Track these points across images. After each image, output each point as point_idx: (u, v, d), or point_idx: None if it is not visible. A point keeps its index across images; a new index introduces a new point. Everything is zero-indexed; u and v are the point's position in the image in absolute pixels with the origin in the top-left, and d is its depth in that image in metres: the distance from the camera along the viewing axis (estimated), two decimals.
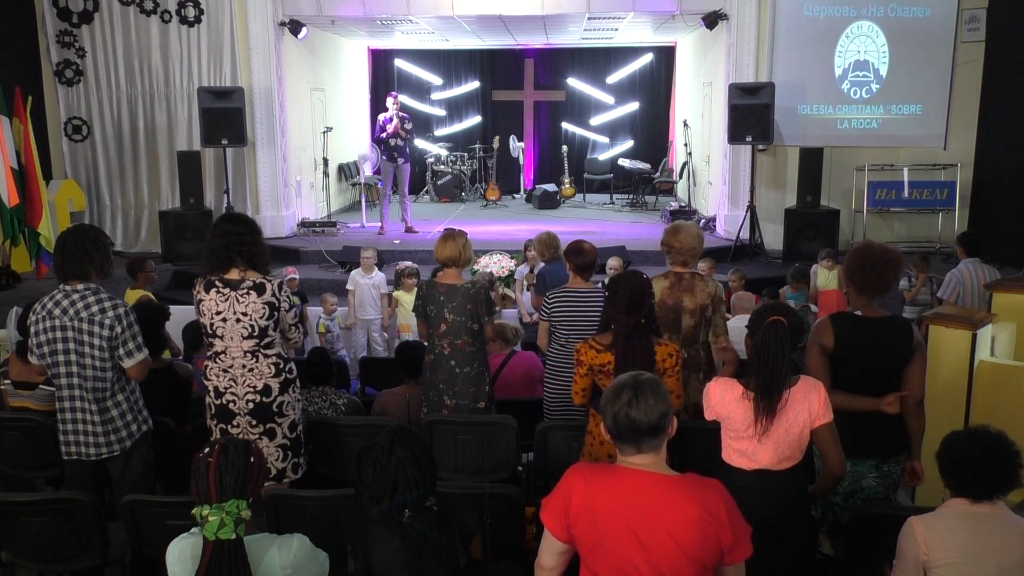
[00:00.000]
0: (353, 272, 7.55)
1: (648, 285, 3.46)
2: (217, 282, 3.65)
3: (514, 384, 5.16)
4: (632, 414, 2.15)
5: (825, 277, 7.45)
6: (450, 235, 4.54)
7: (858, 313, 3.44)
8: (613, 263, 6.88)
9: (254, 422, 3.71)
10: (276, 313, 3.69)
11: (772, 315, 2.83)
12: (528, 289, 7.59)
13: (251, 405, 3.70)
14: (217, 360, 3.71)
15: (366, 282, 7.38)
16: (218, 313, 3.64)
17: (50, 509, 3.33)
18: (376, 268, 7.58)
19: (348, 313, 7.44)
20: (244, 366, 3.68)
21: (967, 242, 6.86)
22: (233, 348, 3.67)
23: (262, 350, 3.69)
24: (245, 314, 3.62)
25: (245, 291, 3.63)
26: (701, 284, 4.24)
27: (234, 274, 3.65)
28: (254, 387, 3.69)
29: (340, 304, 7.44)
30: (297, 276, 7.64)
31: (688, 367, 4.24)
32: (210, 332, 3.68)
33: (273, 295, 3.66)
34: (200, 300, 3.67)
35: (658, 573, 2.13)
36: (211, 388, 3.74)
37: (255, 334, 3.65)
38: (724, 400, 2.89)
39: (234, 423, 3.72)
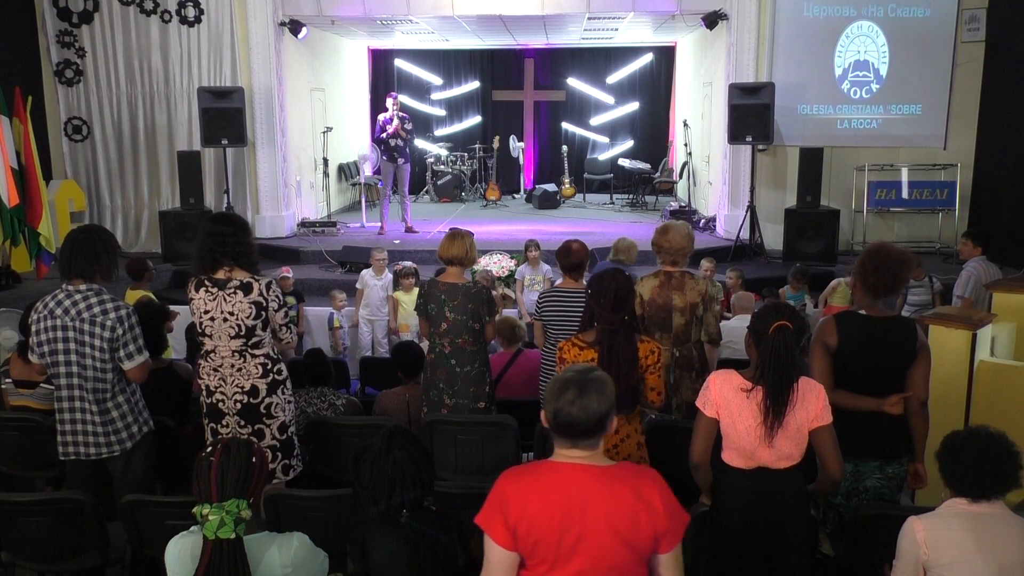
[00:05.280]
0: (364, 272, 7.57)
1: (631, 282, 3.47)
2: (206, 281, 3.68)
3: (520, 384, 5.17)
4: (573, 412, 2.14)
5: (842, 295, 7.31)
6: (457, 234, 4.56)
7: (862, 312, 3.44)
8: None
9: (242, 423, 3.72)
10: (264, 313, 3.68)
11: (777, 319, 2.83)
12: (529, 288, 7.59)
13: (239, 405, 3.71)
14: (208, 359, 3.74)
15: (376, 283, 7.41)
16: (206, 312, 3.67)
17: (50, 509, 3.33)
18: (386, 269, 7.62)
19: (353, 311, 7.47)
20: (232, 365, 3.69)
21: (979, 236, 6.67)
22: (221, 347, 3.69)
23: (250, 350, 3.69)
24: (232, 313, 3.63)
25: (232, 291, 3.64)
26: (691, 282, 4.24)
27: (221, 274, 3.67)
28: (242, 387, 3.70)
29: (348, 303, 7.48)
30: (291, 275, 7.65)
31: (680, 366, 4.25)
32: (200, 331, 3.72)
33: (260, 295, 3.66)
34: (191, 299, 3.72)
35: (596, 562, 2.13)
36: (203, 387, 3.78)
37: (242, 334, 3.66)
38: (723, 390, 2.89)
39: (223, 423, 3.73)
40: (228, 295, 3.64)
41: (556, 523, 2.13)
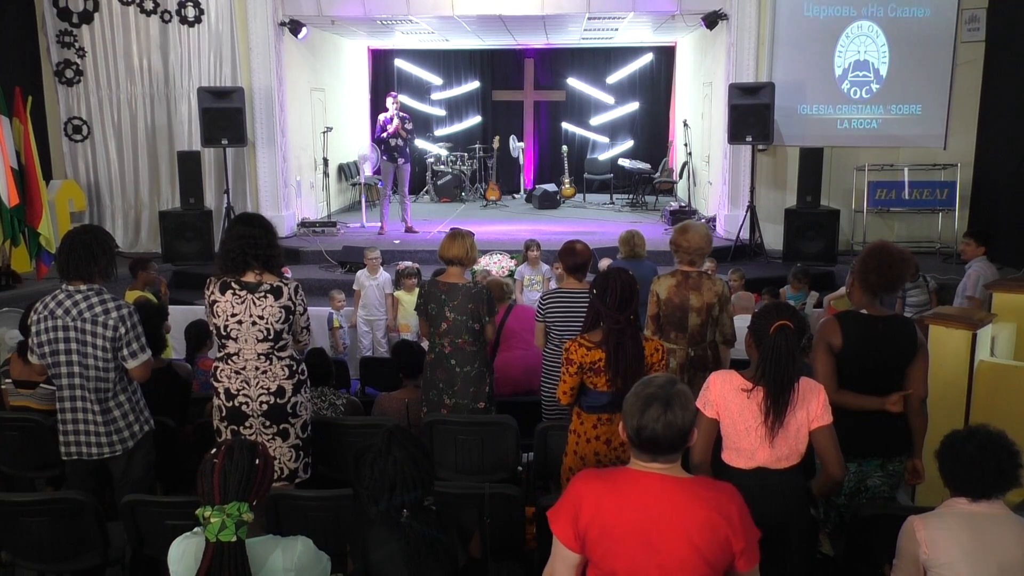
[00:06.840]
0: (359, 273, 7.56)
1: (634, 282, 3.46)
2: (233, 284, 3.62)
3: (521, 331, 5.34)
4: (658, 429, 2.11)
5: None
6: (458, 234, 4.55)
7: (864, 312, 3.45)
8: (605, 264, 6.86)
9: (268, 423, 3.69)
10: (292, 317, 3.67)
11: (778, 318, 2.83)
12: (529, 288, 7.59)
13: (265, 407, 3.67)
14: (229, 362, 3.68)
15: (371, 283, 7.40)
16: (233, 315, 3.61)
17: (50, 509, 3.33)
18: (381, 268, 7.60)
19: (352, 312, 7.46)
20: (257, 368, 3.65)
21: (982, 236, 6.67)
22: (247, 350, 3.64)
23: (276, 353, 3.67)
24: (262, 317, 3.60)
25: (263, 294, 3.60)
26: (708, 283, 4.25)
27: (250, 277, 3.62)
28: (268, 389, 3.67)
29: (348, 303, 7.48)
30: (289, 276, 7.63)
31: (695, 366, 4.25)
32: (224, 334, 3.65)
33: (290, 299, 3.65)
34: (215, 301, 3.64)
35: (669, 574, 2.10)
36: (221, 390, 3.70)
37: (270, 337, 3.62)
38: (723, 391, 2.89)
39: (247, 424, 3.69)
40: (258, 299, 3.60)
41: (630, 531, 2.10)
